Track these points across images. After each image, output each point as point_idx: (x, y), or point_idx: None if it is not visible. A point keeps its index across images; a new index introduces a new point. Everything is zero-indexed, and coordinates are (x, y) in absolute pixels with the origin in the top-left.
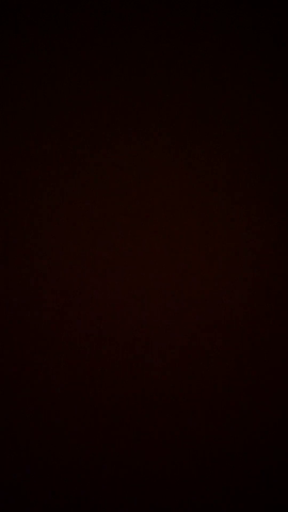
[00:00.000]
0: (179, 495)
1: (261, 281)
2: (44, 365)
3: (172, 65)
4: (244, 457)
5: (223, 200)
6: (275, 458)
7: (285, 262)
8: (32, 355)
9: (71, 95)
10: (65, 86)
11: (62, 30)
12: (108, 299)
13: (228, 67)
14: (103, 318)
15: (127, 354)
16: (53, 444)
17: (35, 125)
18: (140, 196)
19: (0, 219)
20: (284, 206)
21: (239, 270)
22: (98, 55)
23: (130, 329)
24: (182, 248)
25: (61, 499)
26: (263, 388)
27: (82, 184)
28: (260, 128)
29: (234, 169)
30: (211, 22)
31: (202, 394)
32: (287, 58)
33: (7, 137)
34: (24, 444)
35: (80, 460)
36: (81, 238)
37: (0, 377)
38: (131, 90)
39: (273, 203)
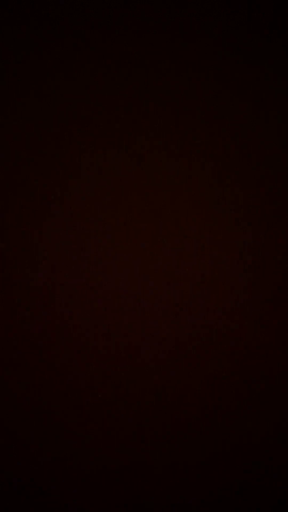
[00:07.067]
0: (178, 495)
1: (261, 283)
2: (42, 363)
3: (172, 66)
4: (244, 457)
5: (223, 199)
6: (275, 455)
7: (285, 261)
8: (30, 352)
9: (70, 95)
10: (65, 86)
11: (62, 31)
12: (106, 298)
13: (229, 68)
14: (99, 318)
15: (126, 353)
16: (51, 443)
17: (35, 126)
18: (140, 195)
19: (1, 218)
20: (284, 207)
21: (238, 272)
22: (98, 55)
23: (130, 326)
24: (182, 248)
25: (60, 498)
26: (263, 391)
27: (82, 184)
28: (261, 128)
29: (234, 172)
30: (212, 23)
31: (200, 394)
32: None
33: (7, 137)
34: (23, 442)
35: (78, 459)
36: (80, 237)
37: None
38: (131, 91)
39: (273, 204)
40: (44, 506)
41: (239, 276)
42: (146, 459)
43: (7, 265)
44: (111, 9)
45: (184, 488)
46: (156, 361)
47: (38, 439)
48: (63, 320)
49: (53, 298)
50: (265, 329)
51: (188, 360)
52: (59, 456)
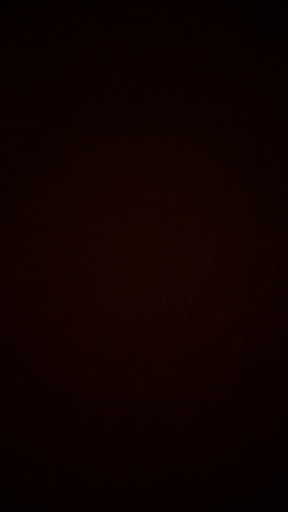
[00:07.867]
0: (178, 495)
1: (261, 284)
2: (42, 363)
3: (172, 66)
4: (245, 457)
5: (223, 199)
6: (275, 455)
7: (286, 261)
8: (30, 352)
9: (70, 95)
10: (65, 86)
11: (62, 31)
12: (106, 298)
13: (229, 68)
14: (99, 318)
15: (126, 353)
16: (51, 443)
17: (35, 126)
18: (140, 196)
19: (1, 218)
20: (284, 207)
21: (239, 272)
22: (98, 55)
23: (130, 327)
24: (182, 248)
25: (59, 498)
26: (263, 391)
27: (83, 183)
28: (261, 128)
29: (234, 172)
30: (211, 24)
31: (200, 394)
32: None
33: (7, 137)
34: (22, 442)
35: (77, 459)
36: (80, 237)
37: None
38: (131, 91)
39: (273, 204)
40: (43, 507)
41: (240, 276)
42: (145, 459)
43: (7, 265)
44: (111, 9)
45: (184, 489)
46: (156, 361)
47: (38, 439)
48: (64, 319)
49: (53, 298)
50: (266, 330)
51: (188, 360)
52: (59, 456)
